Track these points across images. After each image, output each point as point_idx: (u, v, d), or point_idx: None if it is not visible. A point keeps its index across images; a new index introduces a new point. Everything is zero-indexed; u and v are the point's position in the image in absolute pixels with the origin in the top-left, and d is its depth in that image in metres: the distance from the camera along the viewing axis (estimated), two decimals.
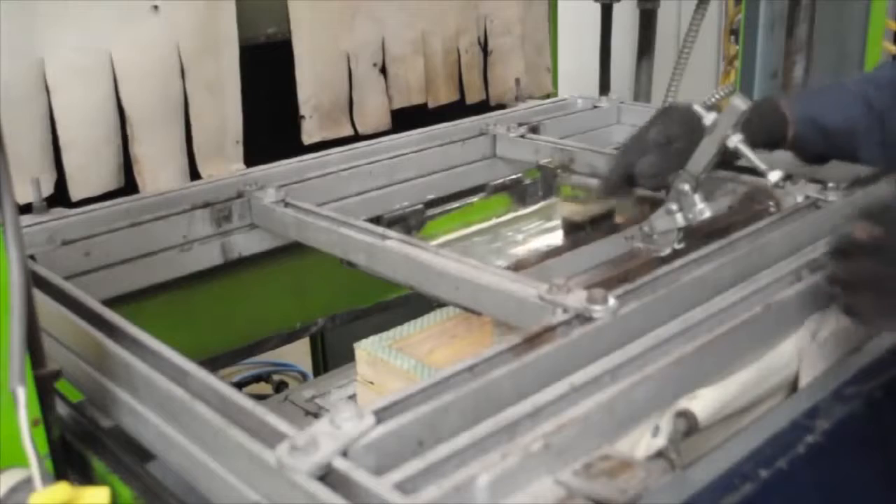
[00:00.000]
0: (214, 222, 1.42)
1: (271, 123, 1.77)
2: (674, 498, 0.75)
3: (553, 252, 1.18)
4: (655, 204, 1.21)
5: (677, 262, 1.03)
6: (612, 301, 0.91)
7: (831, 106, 1.32)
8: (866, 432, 0.94)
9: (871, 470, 0.95)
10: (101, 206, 1.39)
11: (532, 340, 0.86)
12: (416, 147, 1.70)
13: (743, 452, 0.82)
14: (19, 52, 1.38)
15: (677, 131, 1.19)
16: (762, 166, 1.16)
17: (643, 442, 0.81)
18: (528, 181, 1.68)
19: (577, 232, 1.23)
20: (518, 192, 1.66)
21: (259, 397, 2.03)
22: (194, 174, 1.63)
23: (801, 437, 0.86)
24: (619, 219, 1.28)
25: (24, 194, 1.33)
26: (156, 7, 1.52)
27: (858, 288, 0.89)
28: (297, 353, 2.89)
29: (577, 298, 0.93)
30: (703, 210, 1.08)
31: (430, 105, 2.01)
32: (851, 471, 0.92)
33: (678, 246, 1.10)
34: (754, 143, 1.15)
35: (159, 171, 1.57)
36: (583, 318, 0.90)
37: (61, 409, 0.93)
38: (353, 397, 1.51)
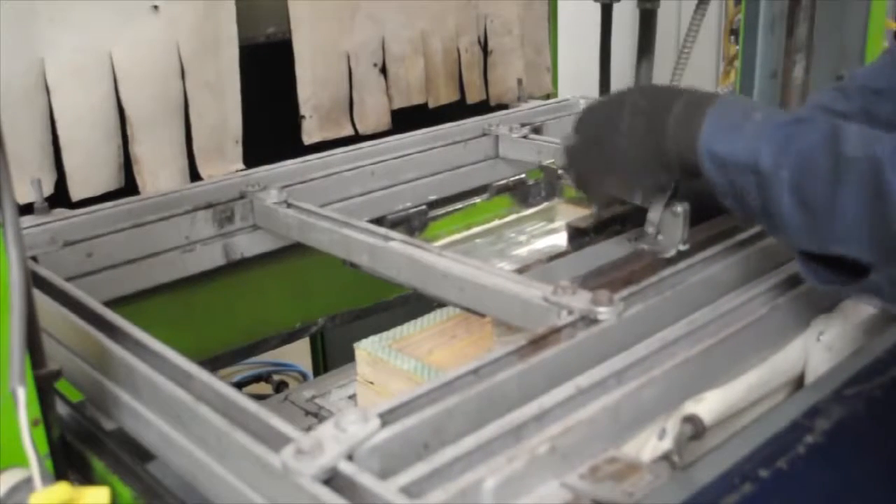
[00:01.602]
0: (217, 223, 1.41)
1: (271, 123, 1.76)
2: (674, 498, 0.74)
3: (557, 253, 1.18)
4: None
5: (682, 264, 1.03)
6: (617, 303, 0.91)
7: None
8: (866, 432, 0.94)
9: (871, 470, 0.95)
10: (104, 206, 1.38)
11: (537, 342, 0.86)
12: (418, 148, 1.69)
13: (743, 452, 0.82)
14: (19, 52, 1.38)
15: None
16: None
17: (649, 445, 0.81)
18: (531, 182, 1.67)
19: (580, 233, 1.22)
20: (521, 193, 1.64)
21: (259, 397, 2.02)
22: (194, 174, 1.63)
23: (801, 437, 0.85)
24: (623, 220, 1.27)
25: (25, 194, 1.33)
26: (156, 7, 1.52)
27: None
28: (298, 353, 2.88)
29: (582, 300, 0.92)
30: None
31: (431, 105, 2.00)
32: (851, 471, 0.92)
33: (683, 248, 1.09)
34: None
35: (159, 171, 1.57)
36: (588, 319, 0.90)
37: (61, 409, 0.93)
38: (352, 397, 1.51)
